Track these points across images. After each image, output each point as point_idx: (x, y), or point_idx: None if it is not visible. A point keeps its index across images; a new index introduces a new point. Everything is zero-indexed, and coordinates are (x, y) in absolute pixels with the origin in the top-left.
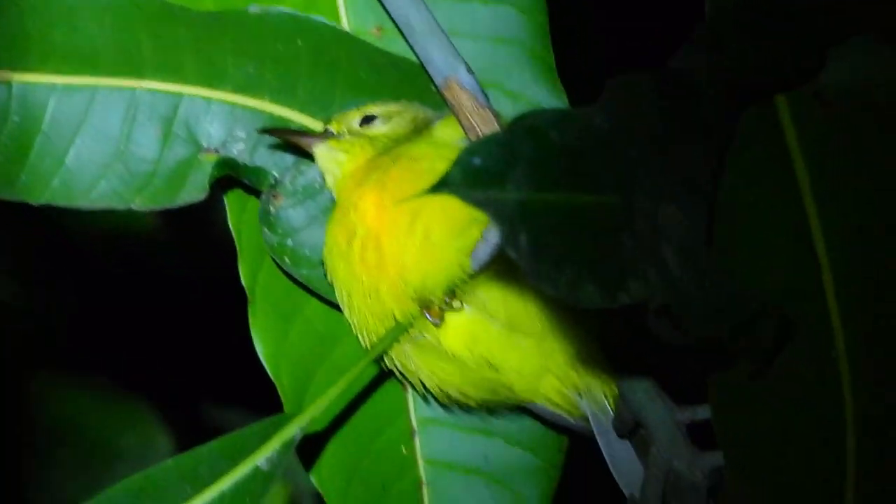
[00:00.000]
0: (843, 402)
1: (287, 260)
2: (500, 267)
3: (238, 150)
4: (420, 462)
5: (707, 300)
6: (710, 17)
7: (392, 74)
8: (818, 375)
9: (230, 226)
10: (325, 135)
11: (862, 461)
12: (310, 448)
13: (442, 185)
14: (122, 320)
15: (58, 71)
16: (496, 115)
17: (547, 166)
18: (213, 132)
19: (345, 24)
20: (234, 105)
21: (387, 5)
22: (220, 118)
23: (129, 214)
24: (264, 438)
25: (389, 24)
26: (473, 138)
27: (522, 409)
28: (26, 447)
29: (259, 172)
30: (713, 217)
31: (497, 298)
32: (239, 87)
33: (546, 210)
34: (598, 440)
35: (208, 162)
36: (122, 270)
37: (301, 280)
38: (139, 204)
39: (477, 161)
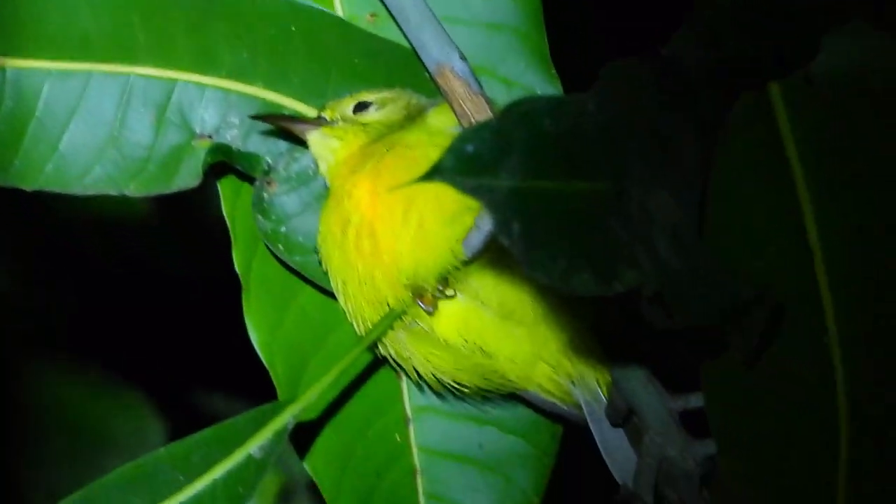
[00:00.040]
0: (836, 388)
1: (281, 247)
2: (494, 255)
3: (231, 137)
4: (414, 450)
5: (700, 287)
6: (702, 2)
7: (386, 61)
8: (810, 362)
9: (224, 213)
10: (319, 121)
11: (854, 446)
12: (303, 436)
13: (434, 173)
14: (115, 308)
15: (52, 56)
16: (489, 103)
17: (540, 153)
18: (206, 118)
19: (339, 10)
20: (227, 91)
21: None
22: (213, 104)
23: (123, 201)
24: (258, 426)
25: (383, 11)
26: (466, 125)
27: (516, 397)
28: (17, 435)
29: (252, 159)
30: (706, 204)
31: (490, 286)
32: (233, 73)
33: (539, 198)
34: (591, 428)
35: (202, 148)
36: (114, 259)
37: (295, 267)
38: (133, 190)
39: (470, 148)
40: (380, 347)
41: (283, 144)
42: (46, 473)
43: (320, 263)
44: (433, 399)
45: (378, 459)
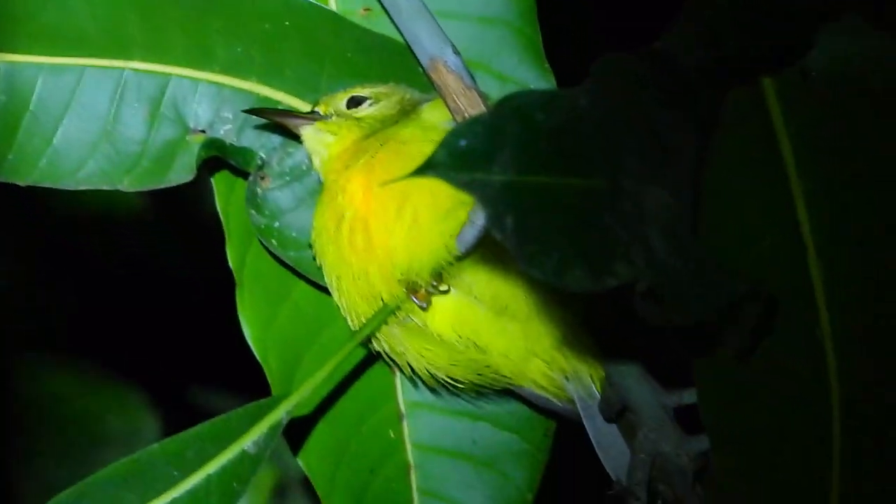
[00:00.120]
0: (829, 382)
1: (274, 242)
2: (487, 250)
3: (225, 131)
4: (408, 446)
5: (693, 283)
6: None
7: (379, 55)
8: (804, 357)
9: (218, 208)
10: (313, 116)
11: (848, 440)
12: (297, 432)
13: (428, 168)
14: (110, 304)
15: (46, 51)
16: (483, 97)
17: (533, 148)
18: (200, 113)
19: (332, 4)
20: (221, 86)
21: None
22: (207, 99)
23: (116, 196)
24: (252, 422)
25: (376, 5)
26: (460, 120)
27: (510, 393)
28: (11, 430)
29: (246, 154)
30: (699, 199)
31: (483, 281)
32: (227, 68)
33: (532, 192)
34: (585, 424)
35: (196, 143)
36: (108, 255)
37: (289, 262)
38: (127, 185)
39: (463, 143)
40: (374, 343)
41: (276, 139)
42: (40, 468)
43: (314, 259)
44: (427, 395)
45: (372, 455)
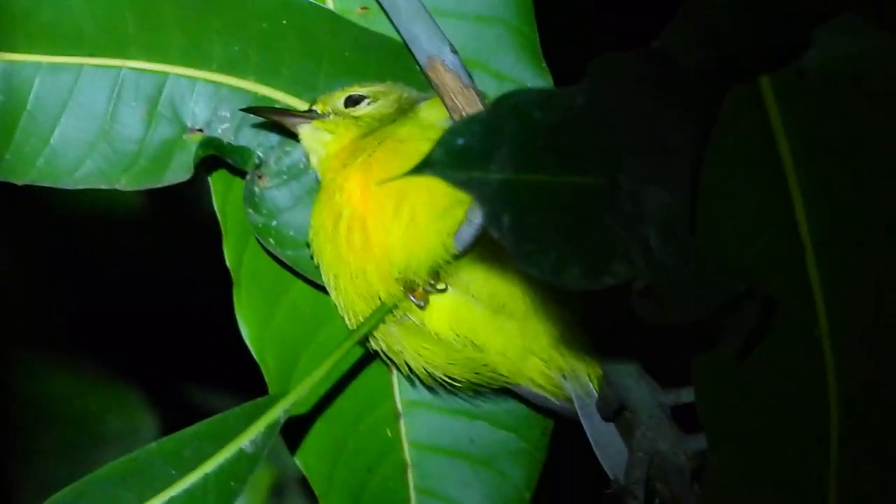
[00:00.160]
0: (827, 381)
1: (272, 241)
2: (485, 249)
3: (223, 130)
4: (405, 444)
5: (691, 281)
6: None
7: (377, 54)
8: (802, 356)
9: (215, 207)
10: (310, 115)
11: (845, 439)
12: (294, 430)
13: (425, 166)
14: (107, 303)
15: (43, 50)
16: (480, 96)
17: (531, 146)
18: (197, 112)
19: (330, 3)
20: (218, 85)
21: None
22: (204, 98)
23: (114, 195)
24: (249, 421)
25: (374, 4)
26: (457, 119)
27: (507, 392)
28: (10, 429)
29: (243, 152)
30: (697, 198)
31: (481, 280)
32: (224, 67)
33: (530, 191)
34: (583, 422)
35: (193, 142)
36: (105, 253)
37: (286, 261)
38: (124, 184)
39: (460, 141)
40: (371, 341)
41: (274, 138)
42: (39, 467)
43: (312, 257)
44: (424, 394)
45: (369, 454)
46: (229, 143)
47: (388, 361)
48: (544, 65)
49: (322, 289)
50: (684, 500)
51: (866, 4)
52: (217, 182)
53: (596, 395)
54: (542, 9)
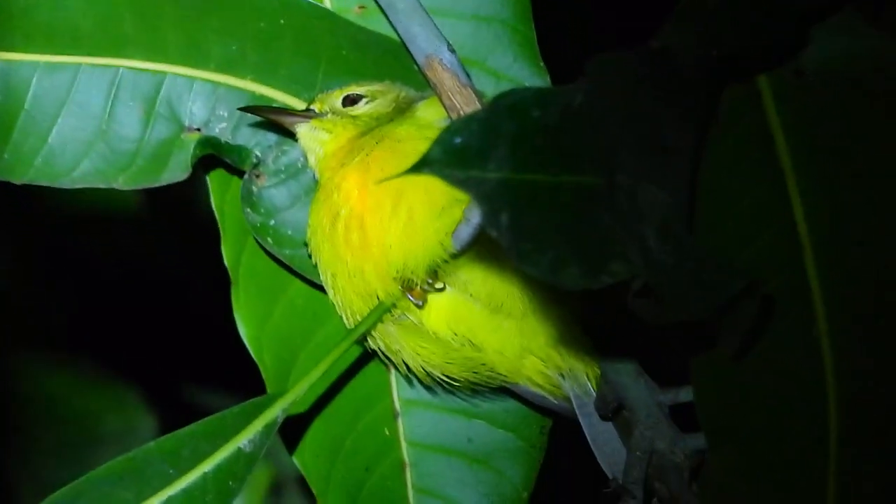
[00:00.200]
0: (826, 381)
1: (270, 240)
2: (483, 248)
3: (220, 130)
4: (403, 443)
5: (689, 281)
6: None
7: (375, 53)
8: (801, 355)
9: (213, 206)
10: (308, 114)
11: (844, 439)
12: (292, 430)
13: (423, 165)
14: (106, 303)
15: (41, 49)
16: (478, 95)
17: (529, 145)
18: (195, 111)
19: (327, 3)
20: (216, 84)
21: None
22: (202, 97)
23: (111, 195)
24: (247, 420)
25: (371, 3)
26: (455, 118)
27: (505, 391)
28: (8, 428)
29: (241, 152)
30: (695, 197)
31: (479, 279)
32: (222, 66)
33: (528, 189)
34: (581, 421)
35: (191, 141)
36: (103, 253)
37: (284, 260)
38: (122, 183)
39: (458, 140)
40: (369, 341)
41: (272, 137)
42: (38, 467)
43: (310, 256)
44: (422, 392)
45: (367, 453)
46: (227, 143)
47: (386, 360)
48: (542, 64)
49: (320, 288)
50: (682, 499)
51: (866, 4)
52: (215, 181)
53: (594, 394)
54: (540, 8)
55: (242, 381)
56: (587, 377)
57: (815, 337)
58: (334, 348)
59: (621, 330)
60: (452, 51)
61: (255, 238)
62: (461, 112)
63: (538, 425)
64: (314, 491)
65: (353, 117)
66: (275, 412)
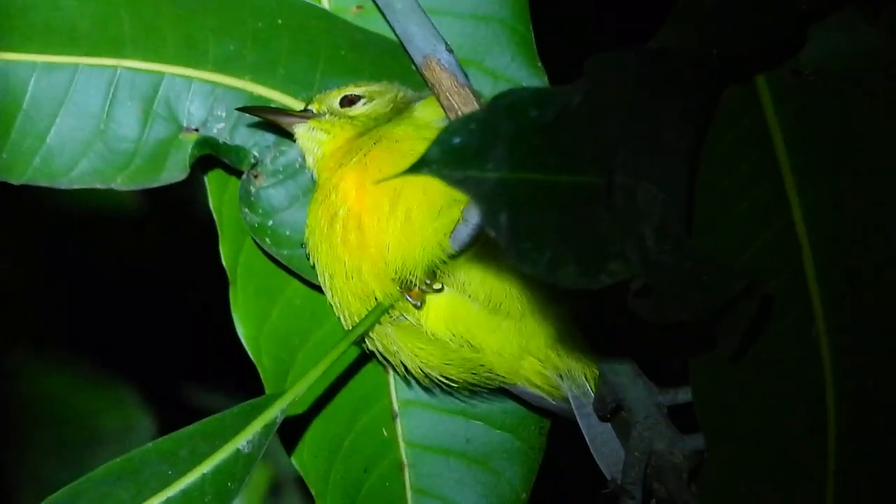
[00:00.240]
0: (824, 380)
1: (268, 240)
2: (481, 248)
3: (218, 130)
4: (401, 444)
5: (688, 280)
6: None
7: (372, 53)
8: (799, 355)
9: (211, 207)
10: (306, 114)
11: (843, 438)
12: (291, 430)
13: (421, 165)
14: (104, 303)
15: (39, 49)
16: (476, 95)
17: (527, 145)
18: (193, 111)
19: (325, 2)
20: (214, 84)
21: None
22: (200, 97)
23: (110, 195)
24: (245, 421)
25: (369, 3)
26: (453, 118)
27: (504, 392)
28: (7, 428)
29: (239, 152)
30: (693, 197)
31: (477, 280)
32: (219, 66)
33: (526, 189)
34: (579, 422)
35: (189, 141)
36: (102, 253)
37: (282, 261)
38: (120, 183)
39: (456, 140)
40: (367, 342)
41: (270, 137)
42: (36, 466)
43: (308, 257)
44: (420, 393)
45: (365, 454)
46: (225, 143)
47: (384, 362)
48: (539, 64)
49: (318, 288)
50: (681, 499)
51: (866, 4)
52: (213, 181)
53: (592, 394)
54: (538, 7)
55: (240, 380)
56: (585, 378)
57: (814, 337)
58: (332, 349)
59: (620, 330)
60: (450, 51)
61: (252, 238)
62: (459, 112)
63: (537, 426)
64: (313, 492)
65: (351, 118)
66: (273, 413)
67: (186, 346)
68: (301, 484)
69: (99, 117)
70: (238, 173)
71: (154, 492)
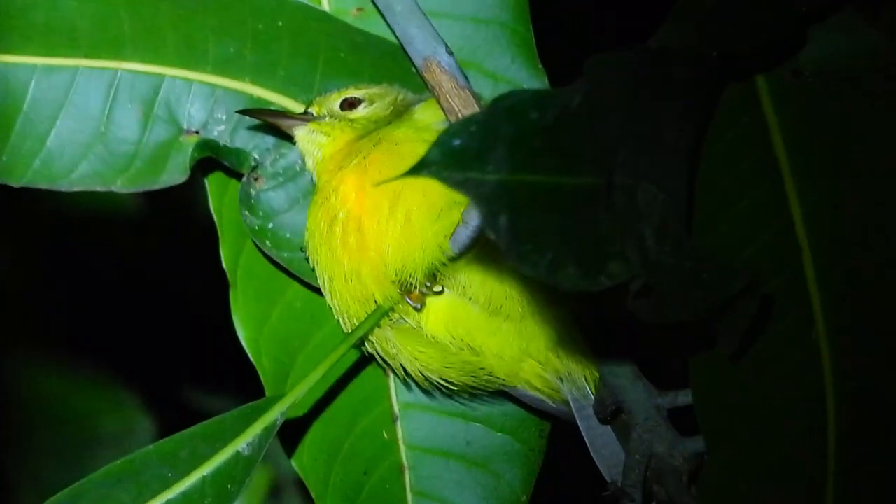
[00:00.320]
0: (824, 383)
1: (268, 243)
2: (481, 250)
3: (219, 132)
4: (401, 447)
5: (688, 281)
6: None
7: (373, 55)
8: (799, 357)
9: (211, 209)
10: (306, 117)
11: (843, 440)
12: (291, 433)
13: (421, 167)
14: (104, 305)
15: (39, 51)
16: (476, 97)
17: (527, 146)
18: (193, 113)
19: (325, 4)
20: (214, 86)
21: None
22: (200, 99)
23: (110, 197)
24: (246, 423)
25: (369, 5)
26: (453, 120)
27: (504, 394)
28: (7, 429)
29: (240, 154)
30: (693, 197)
31: (477, 282)
32: (219, 68)
33: (526, 191)
34: (579, 424)
35: (189, 143)
36: (102, 255)
37: (282, 263)
38: (120, 186)
39: (456, 142)
40: (366, 345)
41: (270, 140)
42: (36, 467)
43: (307, 260)
44: (420, 396)
45: (365, 456)
46: (225, 145)
47: (384, 365)
48: (540, 66)
49: (318, 291)
50: (681, 502)
51: (866, 4)
52: (213, 184)
53: (592, 397)
54: (538, 8)
55: (240, 383)
56: (585, 380)
57: (814, 338)
58: (331, 352)
59: (620, 333)
60: (450, 53)
61: (253, 241)
62: (459, 114)
63: (537, 428)
64: (313, 494)
65: (351, 120)
66: (273, 415)
67: (186, 349)
68: (301, 486)
69: (99, 120)
70: (238, 176)
71: (154, 494)
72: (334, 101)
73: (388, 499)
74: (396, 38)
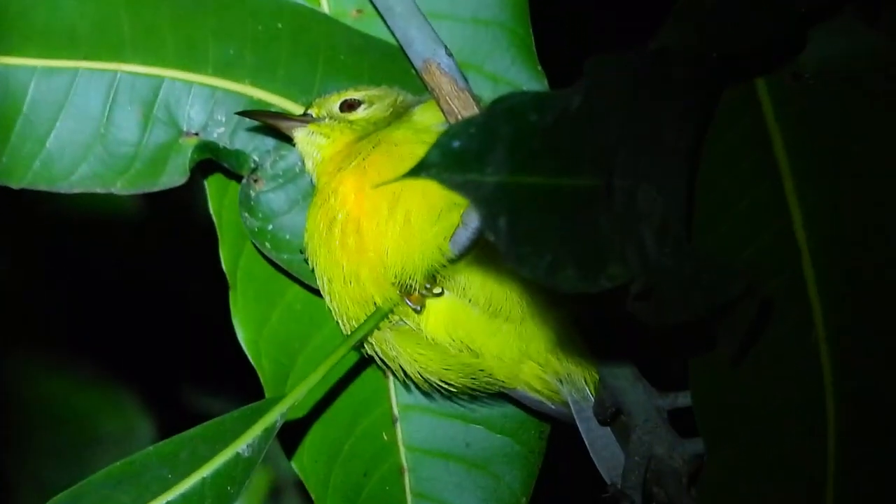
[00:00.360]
0: (823, 384)
1: (268, 245)
2: (481, 252)
3: (218, 134)
4: (401, 448)
5: (688, 283)
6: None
7: (372, 57)
8: (799, 359)
9: (211, 211)
10: (306, 118)
11: (843, 441)
12: (291, 434)
13: (421, 169)
14: (105, 306)
15: (38, 53)
16: (476, 99)
17: (527, 148)
18: (193, 115)
19: (325, 6)
20: (214, 88)
21: None
22: (200, 101)
23: (110, 199)
24: (246, 425)
25: (369, 7)
26: (453, 122)
27: (503, 396)
28: (6, 430)
29: (239, 156)
30: (693, 198)
31: (477, 284)
32: (219, 70)
33: (526, 193)
34: (579, 426)
35: (189, 145)
36: (102, 256)
37: (282, 265)
38: (120, 187)
39: (456, 144)
40: (366, 346)
41: (270, 142)
42: (35, 468)
43: (307, 261)
44: (420, 398)
45: (365, 458)
46: (225, 147)
47: (384, 366)
48: (539, 67)
49: (318, 292)
50: (681, 503)
51: (866, 4)
52: (213, 186)
53: (592, 398)
54: (538, 8)
55: (240, 384)
56: (585, 382)
57: (813, 338)
58: (331, 354)
59: (620, 334)
60: (450, 54)
61: (252, 242)
62: (459, 116)
63: (536, 430)
64: (312, 496)
65: (351, 122)
66: (273, 417)
67: (186, 350)
68: (301, 488)
69: (99, 121)
70: (238, 177)
71: (154, 495)
72: (334, 102)
73: (388, 500)
74: (396, 39)
